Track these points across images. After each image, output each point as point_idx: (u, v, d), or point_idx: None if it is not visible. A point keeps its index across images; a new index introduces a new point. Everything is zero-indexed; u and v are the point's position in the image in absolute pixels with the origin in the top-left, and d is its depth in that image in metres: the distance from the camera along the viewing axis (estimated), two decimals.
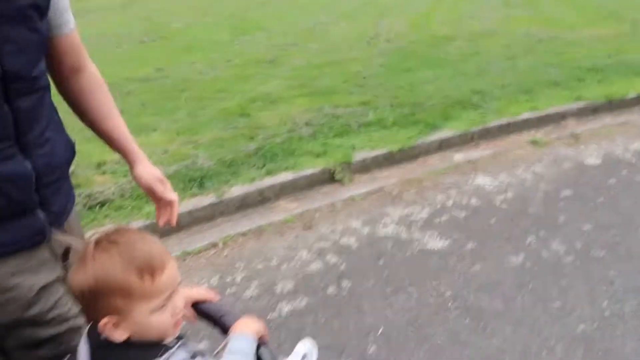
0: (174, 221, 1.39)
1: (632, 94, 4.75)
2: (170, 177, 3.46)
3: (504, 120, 4.35)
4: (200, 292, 1.19)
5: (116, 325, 0.94)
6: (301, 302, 2.35)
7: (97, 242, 0.94)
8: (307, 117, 4.63)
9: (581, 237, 2.76)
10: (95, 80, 1.32)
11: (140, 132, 4.37)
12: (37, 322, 1.15)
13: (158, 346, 0.97)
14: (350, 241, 2.84)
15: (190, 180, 3.42)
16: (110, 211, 3.03)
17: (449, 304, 2.28)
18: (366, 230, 2.95)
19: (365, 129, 4.33)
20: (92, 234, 0.98)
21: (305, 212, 3.20)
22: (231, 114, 4.82)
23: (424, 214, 3.11)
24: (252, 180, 3.46)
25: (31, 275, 1.13)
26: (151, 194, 1.38)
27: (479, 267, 2.54)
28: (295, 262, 2.67)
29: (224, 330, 1.12)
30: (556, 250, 2.65)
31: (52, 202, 1.18)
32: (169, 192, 1.37)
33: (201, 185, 3.38)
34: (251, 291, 2.45)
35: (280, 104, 5.09)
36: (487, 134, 4.23)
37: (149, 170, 1.36)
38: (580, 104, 4.62)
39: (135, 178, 1.37)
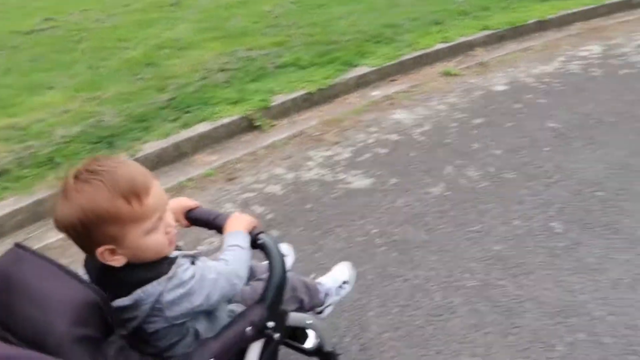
0: None
1: (532, 20, 4.94)
2: (74, 138, 3.20)
3: (417, 53, 4.39)
4: (188, 200, 1.29)
5: (113, 252, 0.96)
6: None
7: (77, 175, 0.93)
8: (220, 63, 4.41)
9: (494, 162, 2.90)
10: None
11: (33, 91, 3.97)
12: None
13: (161, 262, 1.01)
14: (276, 189, 2.80)
15: (98, 140, 3.18)
16: (9, 183, 2.76)
17: (376, 240, 2.34)
18: (291, 175, 2.92)
19: (282, 71, 4.21)
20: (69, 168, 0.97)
21: (226, 163, 3.10)
22: (137, 64, 4.49)
23: (347, 153, 3.12)
24: (167, 134, 3.28)
25: None
26: None
27: (402, 201, 2.62)
28: None
29: (220, 229, 1.23)
30: (472, 177, 2.78)
31: None
32: None
33: (111, 144, 3.16)
34: None
35: (190, 50, 4.80)
36: (402, 68, 4.26)
37: None
38: (487, 33, 4.75)
39: None
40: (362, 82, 4.08)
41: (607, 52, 4.32)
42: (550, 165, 2.81)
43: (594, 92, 3.63)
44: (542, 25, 4.97)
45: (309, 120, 3.59)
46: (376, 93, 3.94)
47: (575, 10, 5.16)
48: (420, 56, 4.39)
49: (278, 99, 3.71)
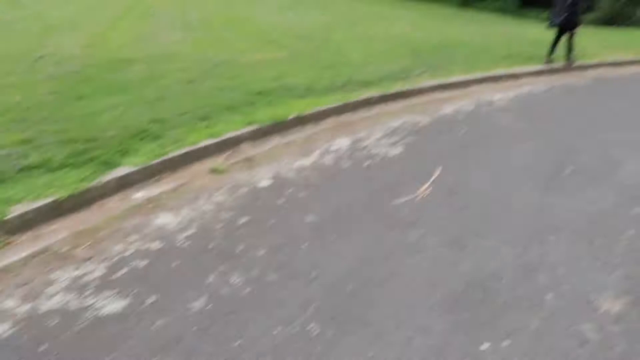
0: None
1: (292, 115, 5.41)
2: None
3: (184, 150, 4.34)
4: None
5: None
6: None
7: None
8: None
9: (257, 264, 2.92)
10: None
11: None
12: None
13: None
14: (2, 328, 2.30)
15: None
16: None
17: None
18: (25, 308, 2.45)
19: (26, 174, 3.69)
20: None
21: None
22: None
23: (100, 271, 2.79)
24: None
25: None
26: None
27: (160, 323, 2.40)
28: None
29: None
30: (235, 284, 2.74)
31: None
32: None
33: None
34: None
35: None
36: (168, 167, 4.15)
37: None
38: (253, 128, 5.00)
39: None
40: (124, 184, 3.81)
41: (354, 145, 4.94)
42: (308, 262, 2.95)
43: (344, 184, 4.05)
44: (301, 120, 5.48)
45: (57, 232, 3.16)
46: (139, 195, 3.72)
47: (328, 106, 5.85)
48: (187, 153, 4.35)
49: (17, 210, 3.19)
